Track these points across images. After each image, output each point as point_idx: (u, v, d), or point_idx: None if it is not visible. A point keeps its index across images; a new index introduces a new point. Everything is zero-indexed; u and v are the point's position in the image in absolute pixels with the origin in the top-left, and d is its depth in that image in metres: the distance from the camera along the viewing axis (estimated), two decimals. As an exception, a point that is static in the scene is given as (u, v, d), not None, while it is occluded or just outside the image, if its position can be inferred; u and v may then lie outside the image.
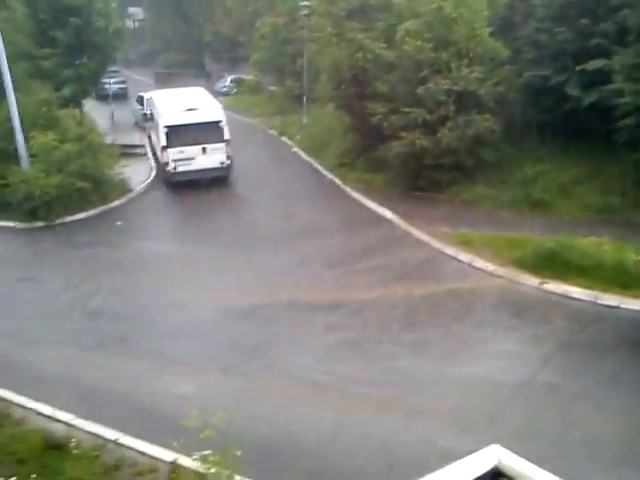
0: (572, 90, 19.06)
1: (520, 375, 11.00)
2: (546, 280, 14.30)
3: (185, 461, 8.26)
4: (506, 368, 11.42)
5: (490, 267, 15.49)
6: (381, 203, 20.71)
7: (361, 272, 15.98)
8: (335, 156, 25.37)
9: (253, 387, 11.23)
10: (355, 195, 22.20)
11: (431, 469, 8.51)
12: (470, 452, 9.03)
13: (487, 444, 8.95)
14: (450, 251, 16.67)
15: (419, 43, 20.95)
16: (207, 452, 7.59)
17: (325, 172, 25.04)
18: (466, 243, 16.79)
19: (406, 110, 20.87)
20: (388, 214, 19.90)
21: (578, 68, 18.85)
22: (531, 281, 14.51)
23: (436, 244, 17.21)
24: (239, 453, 7.35)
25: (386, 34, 23.16)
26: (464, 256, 16.24)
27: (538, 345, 12.11)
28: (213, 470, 7.61)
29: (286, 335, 13.07)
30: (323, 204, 21.83)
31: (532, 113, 21.34)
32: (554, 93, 19.86)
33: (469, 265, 15.90)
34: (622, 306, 13.04)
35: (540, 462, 4.03)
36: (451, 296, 14.52)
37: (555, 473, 3.88)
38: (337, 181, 23.79)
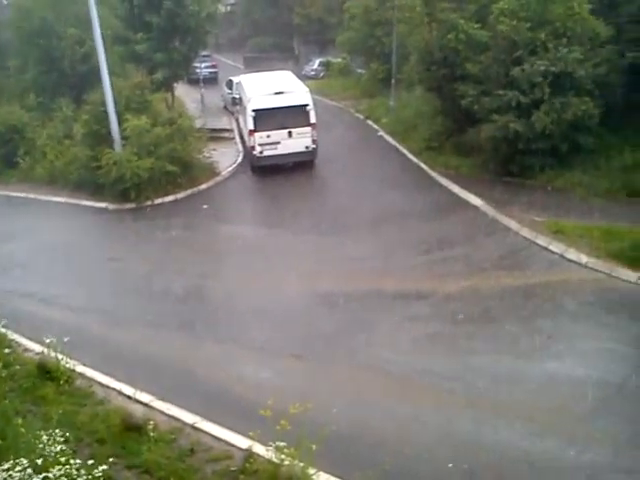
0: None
1: (615, 376, 10.29)
2: (646, 275, 13.39)
3: (260, 449, 8.19)
4: (601, 368, 10.73)
5: (584, 259, 14.60)
6: (469, 189, 19.98)
7: (446, 261, 15.46)
8: (422, 140, 24.72)
9: (330, 377, 11.05)
10: (442, 180, 21.56)
11: (511, 476, 8.14)
12: (557, 461, 8.54)
13: (579, 452, 8.48)
14: (541, 241, 15.86)
15: (515, 23, 20.03)
16: (281, 443, 7.55)
17: (411, 156, 24.46)
18: (558, 233, 15.90)
19: (499, 92, 20.05)
20: (476, 200, 19.17)
21: (689, 47, 17.50)
22: (629, 275, 13.58)
23: (526, 233, 16.41)
24: (314, 447, 7.25)
25: (479, 14, 22.32)
26: (556, 246, 15.41)
27: (636, 344, 11.33)
28: (287, 462, 7.56)
29: (366, 324, 12.75)
30: (408, 189, 21.28)
31: (634, 96, 20.03)
32: (660, 74, 18.54)
33: (561, 256, 15.06)
34: None
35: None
36: (541, 289, 13.79)
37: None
38: (423, 166, 23.17)
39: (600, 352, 11.22)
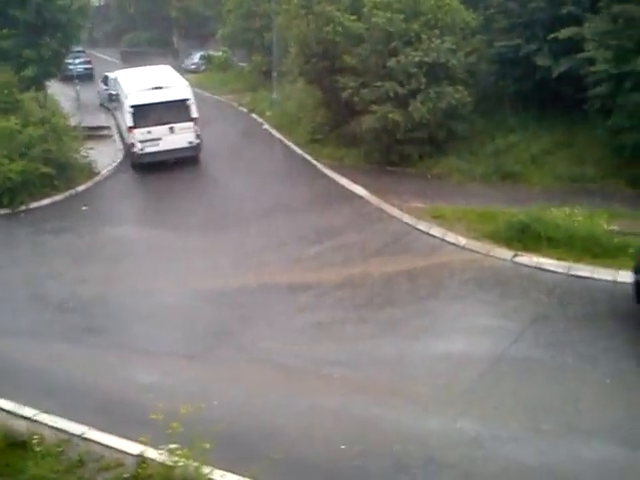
0: (543, 60, 18.90)
1: (495, 349, 10.83)
2: (519, 252, 14.19)
3: (152, 454, 8.03)
4: (480, 343, 11.30)
5: (462, 241, 15.33)
6: (353, 179, 20.42)
7: (333, 250, 15.73)
8: (306, 132, 25.00)
9: (222, 374, 10.99)
10: (327, 171, 21.89)
11: (401, 451, 8.43)
12: (444, 434, 8.90)
13: (464, 424, 8.88)
14: (422, 226, 16.48)
15: (389, 15, 20.57)
16: (174, 445, 7.43)
17: (296, 149, 24.66)
18: (438, 217, 16.62)
19: (377, 84, 20.55)
20: (360, 190, 19.61)
21: (550, 37, 18.65)
22: (504, 254, 14.37)
23: (408, 219, 17.01)
24: (207, 446, 7.20)
25: (354, 6, 22.74)
26: (436, 230, 16.07)
27: (512, 318, 12.00)
28: (181, 463, 7.45)
29: (256, 318, 12.80)
30: (294, 182, 21.50)
31: (504, 84, 21.20)
32: (525, 63, 19.68)
33: (442, 240, 15.73)
34: (594, 276, 12.97)
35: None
36: (424, 272, 14.36)
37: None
38: (308, 158, 23.43)
39: (479, 328, 11.79)
